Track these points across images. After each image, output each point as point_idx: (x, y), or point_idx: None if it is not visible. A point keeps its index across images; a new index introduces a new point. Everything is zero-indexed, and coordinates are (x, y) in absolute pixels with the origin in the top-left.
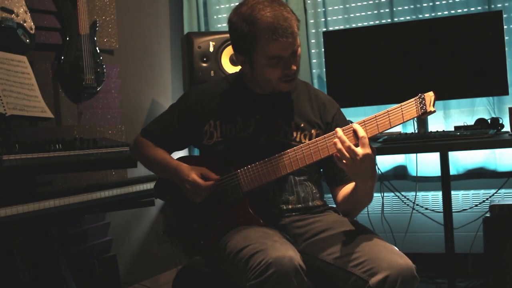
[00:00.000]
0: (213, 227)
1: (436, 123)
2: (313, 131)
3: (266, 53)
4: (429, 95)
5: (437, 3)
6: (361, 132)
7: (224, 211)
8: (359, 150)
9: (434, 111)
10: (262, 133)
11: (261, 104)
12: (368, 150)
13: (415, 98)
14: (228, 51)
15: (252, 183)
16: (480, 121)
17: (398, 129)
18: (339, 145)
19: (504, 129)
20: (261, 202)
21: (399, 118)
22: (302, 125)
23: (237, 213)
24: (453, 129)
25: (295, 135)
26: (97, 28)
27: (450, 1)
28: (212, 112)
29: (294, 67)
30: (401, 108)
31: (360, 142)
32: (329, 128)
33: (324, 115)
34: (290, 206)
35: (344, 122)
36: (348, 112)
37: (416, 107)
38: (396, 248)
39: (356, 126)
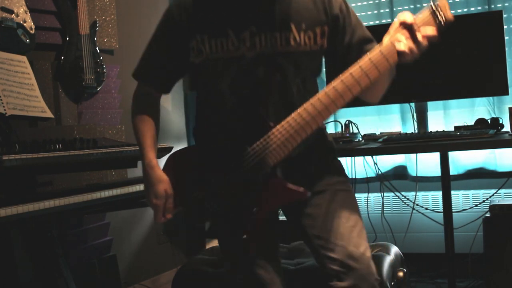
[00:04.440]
0: (250, 217)
1: (436, 123)
2: (317, 29)
3: None
4: (442, 1)
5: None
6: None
7: (256, 196)
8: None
9: (453, 18)
10: (259, 50)
11: (254, 11)
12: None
13: (428, 9)
14: None
15: (277, 153)
16: (480, 121)
17: (398, 129)
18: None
19: (504, 129)
20: None
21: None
22: (304, 25)
23: (272, 192)
24: (453, 129)
25: (298, 39)
26: (97, 28)
27: (450, 1)
28: (199, 24)
29: None
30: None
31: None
32: (337, 21)
33: (329, 7)
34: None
35: (351, 16)
36: (348, 112)
37: (433, 18)
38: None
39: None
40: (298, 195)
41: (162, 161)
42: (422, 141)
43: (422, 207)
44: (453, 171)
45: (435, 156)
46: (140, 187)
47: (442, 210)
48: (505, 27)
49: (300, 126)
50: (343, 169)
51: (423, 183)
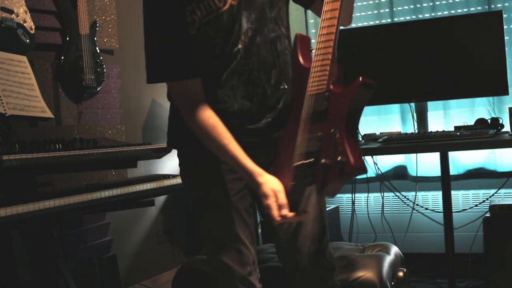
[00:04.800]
0: (342, 140)
1: (436, 123)
2: None
3: None
4: None
5: (437, 3)
6: None
7: (334, 117)
8: None
9: None
10: None
11: None
12: None
13: None
14: None
15: (322, 78)
16: (480, 121)
17: (398, 129)
18: None
19: (504, 129)
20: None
21: None
22: None
23: (336, 104)
24: (453, 129)
25: None
26: (97, 28)
27: (450, 1)
28: None
29: None
30: None
31: None
32: None
33: None
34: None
35: None
36: None
37: None
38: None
39: None
40: (355, 86)
41: (162, 161)
42: (422, 141)
43: (422, 207)
44: (453, 171)
45: (435, 156)
46: (140, 187)
47: (442, 210)
48: (505, 27)
49: (324, 45)
50: None
51: (423, 183)
